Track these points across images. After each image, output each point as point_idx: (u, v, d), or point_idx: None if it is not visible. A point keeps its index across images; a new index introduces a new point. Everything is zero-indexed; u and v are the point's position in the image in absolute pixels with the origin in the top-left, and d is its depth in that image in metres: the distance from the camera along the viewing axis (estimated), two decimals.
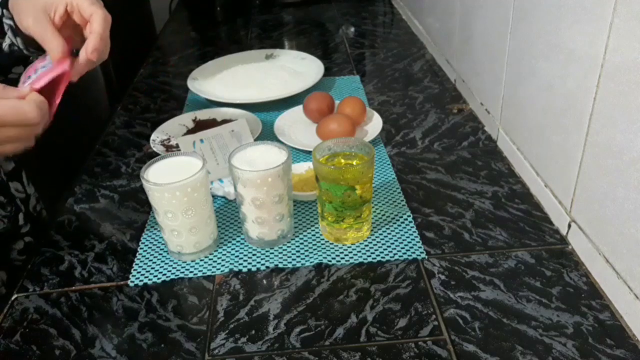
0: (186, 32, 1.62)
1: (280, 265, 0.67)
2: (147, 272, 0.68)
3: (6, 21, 0.68)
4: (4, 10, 0.67)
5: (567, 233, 0.69)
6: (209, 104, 1.06)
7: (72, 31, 0.65)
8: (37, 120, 0.55)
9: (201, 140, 0.82)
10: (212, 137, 0.83)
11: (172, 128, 0.97)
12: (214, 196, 0.79)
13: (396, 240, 0.70)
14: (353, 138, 0.76)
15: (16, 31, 0.67)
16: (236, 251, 0.70)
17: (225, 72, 1.19)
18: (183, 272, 0.67)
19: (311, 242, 0.71)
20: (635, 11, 0.53)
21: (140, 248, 0.72)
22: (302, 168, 0.83)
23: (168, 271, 0.67)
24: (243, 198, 0.67)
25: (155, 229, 0.75)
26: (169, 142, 0.93)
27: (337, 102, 0.97)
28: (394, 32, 1.48)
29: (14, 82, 0.75)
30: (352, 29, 1.51)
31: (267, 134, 0.94)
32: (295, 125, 0.96)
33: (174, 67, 1.34)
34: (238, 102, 1.03)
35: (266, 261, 0.68)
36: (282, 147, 0.68)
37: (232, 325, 0.60)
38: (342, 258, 0.68)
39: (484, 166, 0.85)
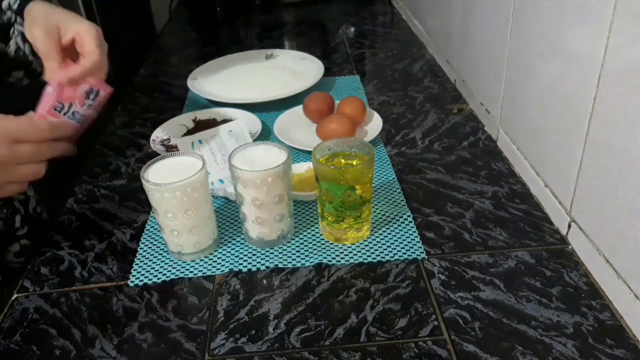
0: (186, 32, 1.62)
1: (280, 265, 0.67)
2: (147, 272, 0.68)
3: (18, 27, 0.70)
4: (18, 17, 0.69)
5: (567, 233, 0.69)
6: (209, 104, 1.06)
7: (69, 58, 0.66)
8: (48, 133, 0.59)
9: (199, 141, 0.82)
10: (210, 137, 0.83)
11: (172, 128, 0.97)
12: (215, 197, 0.79)
13: (396, 240, 0.70)
14: (353, 138, 0.77)
15: (26, 38, 0.69)
16: (236, 251, 0.70)
17: (225, 72, 1.19)
18: (183, 272, 0.67)
19: (311, 242, 0.71)
20: (635, 11, 0.53)
21: (140, 248, 0.72)
22: (302, 168, 0.83)
23: (168, 271, 0.67)
24: (243, 198, 0.67)
25: (155, 229, 0.75)
26: (169, 142, 0.93)
27: (337, 102, 0.97)
28: (394, 32, 1.48)
29: (12, 86, 0.76)
30: (352, 29, 1.51)
31: (267, 134, 0.94)
32: (295, 125, 0.96)
33: (174, 67, 1.34)
34: (238, 102, 1.03)
35: (266, 261, 0.68)
36: (282, 147, 0.68)
37: (232, 325, 0.60)
38: (342, 258, 0.68)
39: (484, 166, 0.85)
